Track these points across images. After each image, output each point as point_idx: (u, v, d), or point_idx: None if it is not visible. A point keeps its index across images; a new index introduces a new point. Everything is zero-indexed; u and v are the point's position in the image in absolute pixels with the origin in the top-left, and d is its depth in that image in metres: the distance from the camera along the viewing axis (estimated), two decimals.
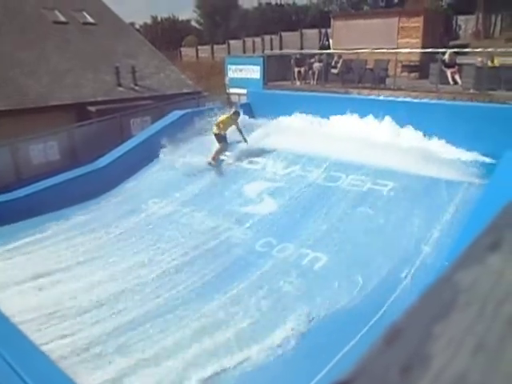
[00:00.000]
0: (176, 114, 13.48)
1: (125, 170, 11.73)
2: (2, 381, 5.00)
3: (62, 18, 19.04)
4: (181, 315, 6.64)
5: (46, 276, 7.83)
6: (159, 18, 53.05)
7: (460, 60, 12.87)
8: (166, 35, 43.90)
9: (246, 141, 11.62)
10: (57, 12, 19.13)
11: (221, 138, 11.32)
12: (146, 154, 12.15)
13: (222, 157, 11.44)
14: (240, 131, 11.63)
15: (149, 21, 53.50)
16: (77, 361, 5.84)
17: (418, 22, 15.92)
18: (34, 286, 7.53)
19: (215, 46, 36.82)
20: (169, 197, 10.61)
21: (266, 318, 6.39)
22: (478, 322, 0.40)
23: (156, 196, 10.77)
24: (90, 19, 19.91)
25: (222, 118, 11.55)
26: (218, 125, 11.36)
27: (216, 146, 11.35)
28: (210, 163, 11.16)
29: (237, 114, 11.78)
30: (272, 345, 5.83)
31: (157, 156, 12.30)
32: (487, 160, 9.33)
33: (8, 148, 11.84)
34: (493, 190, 6.88)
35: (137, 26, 43.89)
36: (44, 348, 5.76)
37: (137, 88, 17.19)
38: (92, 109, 15.07)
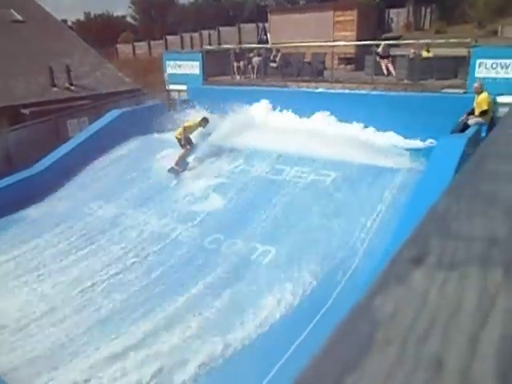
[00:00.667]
0: (114, 112, 13.10)
1: (64, 174, 11.28)
2: None
3: None
4: (134, 317, 6.52)
5: None
6: (92, 15, 51.35)
7: (393, 52, 13.37)
8: (101, 32, 42.50)
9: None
10: None
11: (184, 141, 10.90)
12: (86, 156, 11.74)
13: (188, 159, 10.94)
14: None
15: (82, 17, 51.66)
16: None
17: (352, 16, 16.38)
18: None
19: (152, 42, 36.09)
20: (112, 199, 10.32)
21: (221, 317, 6.38)
22: (399, 368, 0.34)
23: (99, 198, 10.44)
24: (18, 17, 18.91)
25: (189, 123, 11.10)
26: (183, 128, 10.92)
27: (180, 150, 10.91)
28: (172, 168, 10.60)
29: (205, 120, 11.25)
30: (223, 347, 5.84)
31: (97, 157, 11.93)
32: (423, 147, 9.80)
33: None
34: (429, 176, 7.21)
35: (69, 23, 42.18)
36: None
37: (72, 88, 16.56)
38: (25, 111, 14.37)
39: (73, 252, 8.59)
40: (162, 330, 6.23)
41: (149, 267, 7.81)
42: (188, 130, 10.95)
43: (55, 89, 16.14)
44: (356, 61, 15.11)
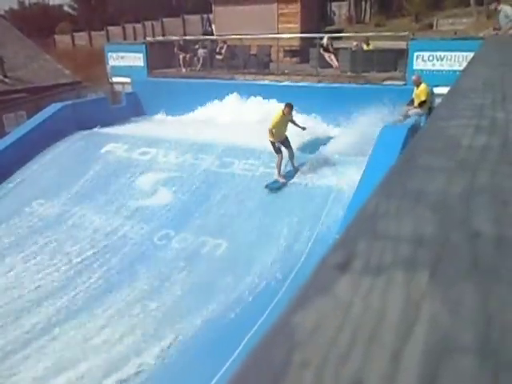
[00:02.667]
0: (55, 106, 12.53)
1: (1, 172, 10.70)
2: None
3: None
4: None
5: None
6: (27, 3, 48.79)
7: (336, 44, 13.61)
8: (37, 22, 40.50)
9: (304, 129, 9.24)
10: None
11: (279, 145, 8.78)
12: (25, 152, 11.18)
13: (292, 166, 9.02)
14: (294, 123, 9.10)
15: (15, 6, 48.98)
16: None
17: (295, 9, 16.48)
18: None
19: (93, 33, 34.79)
20: (54, 197, 9.91)
21: (174, 309, 6.32)
22: None
23: (40, 197, 10.00)
24: None
25: (273, 119, 8.77)
26: (269, 131, 8.67)
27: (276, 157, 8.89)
28: (275, 182, 8.78)
29: (289, 106, 8.82)
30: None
31: (36, 154, 11.39)
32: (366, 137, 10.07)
33: None
34: (373, 165, 7.41)
35: (1, 12, 39.89)
36: None
37: (7, 80, 15.70)
38: None
39: (12, 254, 8.20)
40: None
41: (95, 265, 7.59)
42: (275, 129, 8.66)
43: None
44: (301, 53, 15.25)
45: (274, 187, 8.60)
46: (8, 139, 11.64)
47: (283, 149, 8.76)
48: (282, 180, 8.68)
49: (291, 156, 8.94)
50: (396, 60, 11.74)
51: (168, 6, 41.10)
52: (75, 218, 9.16)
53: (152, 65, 14.30)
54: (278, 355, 0.34)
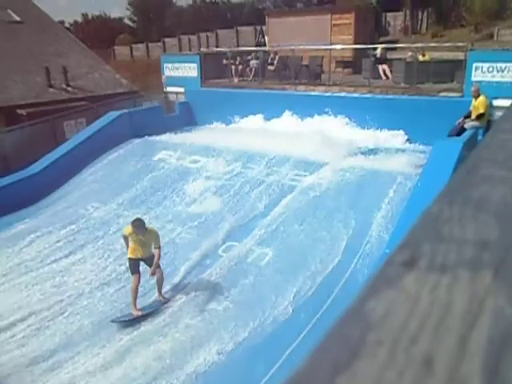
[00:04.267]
0: (112, 114, 13.10)
1: (61, 175, 11.25)
2: None
3: None
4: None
5: None
6: (90, 16, 51.30)
7: (390, 55, 13.44)
8: (98, 34, 42.47)
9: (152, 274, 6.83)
10: None
11: (138, 263, 6.82)
12: (83, 157, 11.73)
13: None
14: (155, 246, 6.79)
15: (79, 19, 51.61)
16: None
17: (349, 19, 16.43)
18: None
19: (150, 44, 36.09)
20: (109, 200, 10.30)
21: (221, 319, 6.39)
22: (389, 368, 0.35)
23: (96, 200, 10.42)
24: (15, 17, 18.88)
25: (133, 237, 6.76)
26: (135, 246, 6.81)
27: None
28: (159, 301, 6.94)
29: (135, 224, 6.65)
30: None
31: (94, 159, 11.91)
32: (421, 150, 9.86)
33: None
34: (425, 180, 7.24)
35: (67, 25, 42.18)
36: None
37: (69, 89, 16.53)
38: (22, 112, 14.33)
39: (66, 253, 8.56)
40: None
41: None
42: (131, 243, 6.82)
43: (52, 90, 16.11)
44: (353, 64, 15.16)
45: (121, 321, 6.60)
46: (68, 144, 12.25)
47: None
48: (135, 313, 6.62)
49: (159, 279, 6.85)
50: (453, 71, 11.43)
51: (223, 19, 42.01)
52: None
53: (205, 75, 14.65)
54: (354, 333, 0.38)
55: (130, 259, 6.78)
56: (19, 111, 14.34)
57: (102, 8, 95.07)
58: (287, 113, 12.39)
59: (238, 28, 32.03)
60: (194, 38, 33.82)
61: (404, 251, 0.47)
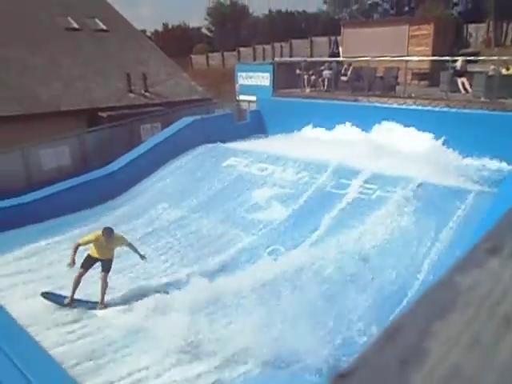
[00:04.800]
0: (186, 120, 13.58)
1: (135, 175, 11.82)
2: (7, 380, 5.04)
3: (75, 25, 19.27)
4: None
5: (53, 281, 7.87)
6: (170, 26, 53.49)
7: (471, 68, 12.84)
8: (177, 42, 44.19)
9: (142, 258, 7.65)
10: (70, 19, 19.38)
11: (92, 262, 7.35)
12: (156, 160, 12.24)
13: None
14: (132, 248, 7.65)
15: (160, 28, 53.97)
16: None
17: (428, 30, 15.92)
18: (41, 289, 7.55)
19: (226, 53, 37.01)
20: (178, 202, 10.66)
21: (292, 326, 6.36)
22: (475, 321, 0.43)
23: (165, 201, 10.82)
24: (102, 26, 20.13)
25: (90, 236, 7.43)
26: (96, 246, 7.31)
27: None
28: (64, 299, 7.23)
29: (106, 232, 7.26)
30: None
31: (166, 162, 12.38)
32: (498, 168, 9.32)
33: (19, 153, 11.96)
34: (502, 199, 6.84)
35: (148, 34, 44.26)
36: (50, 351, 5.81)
37: (147, 94, 17.32)
38: (103, 114, 15.20)
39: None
40: None
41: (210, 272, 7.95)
42: (94, 245, 7.31)
43: (132, 94, 16.96)
44: (431, 76, 14.65)
45: (52, 299, 7.17)
46: (143, 147, 12.84)
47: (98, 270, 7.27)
48: (68, 300, 7.13)
49: (103, 285, 7.16)
50: None
51: (298, 29, 42.25)
52: (194, 224, 9.74)
53: (278, 84, 14.79)
54: (445, 296, 0.47)
55: (88, 255, 7.29)
56: (101, 113, 15.22)
57: (182, 18, 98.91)
58: (359, 124, 12.19)
59: (313, 38, 32.03)
60: (268, 47, 34.26)
61: (489, 240, 0.54)
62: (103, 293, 7.17)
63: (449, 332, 0.42)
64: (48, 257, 8.78)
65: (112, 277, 7.43)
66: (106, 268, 7.24)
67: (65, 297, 7.21)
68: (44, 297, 7.17)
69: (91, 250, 7.31)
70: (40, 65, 16.10)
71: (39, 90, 15.12)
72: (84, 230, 9.48)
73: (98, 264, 7.30)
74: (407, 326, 0.43)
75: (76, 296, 7.20)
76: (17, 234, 9.51)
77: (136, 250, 7.59)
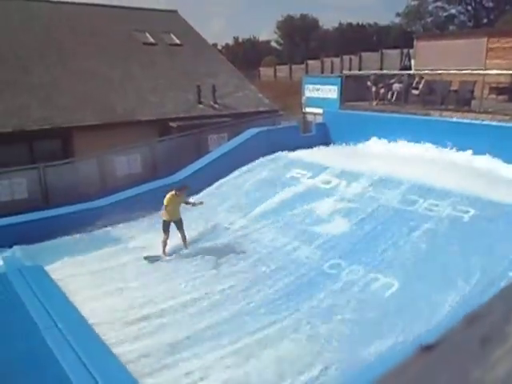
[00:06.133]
0: (252, 131, 13.75)
1: (201, 184, 12.08)
2: (76, 379, 5.29)
3: (151, 40, 20.25)
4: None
5: (124, 283, 8.19)
6: (240, 39, 54.75)
7: None
8: (247, 55, 45.16)
9: (195, 204, 9.97)
10: (147, 34, 20.39)
11: (169, 224, 9.26)
12: (222, 169, 12.46)
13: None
14: (188, 203, 9.82)
15: (231, 42, 55.40)
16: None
17: (509, 43, 15.12)
18: (111, 291, 7.89)
19: (293, 66, 37.22)
20: (241, 211, 10.77)
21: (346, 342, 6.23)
22: None
23: (229, 210, 10.97)
24: (176, 40, 20.98)
25: (167, 198, 9.25)
26: (165, 208, 9.25)
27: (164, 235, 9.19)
28: (160, 257, 9.18)
29: (183, 189, 9.56)
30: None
31: (232, 171, 12.57)
32: None
33: (96, 159, 12.70)
34: None
35: (219, 47, 45.55)
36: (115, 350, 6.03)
37: (216, 106, 17.76)
38: (173, 124, 15.77)
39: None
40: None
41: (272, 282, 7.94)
42: (170, 206, 9.19)
43: (201, 106, 17.47)
44: (510, 91, 13.87)
45: (153, 259, 9.04)
46: (210, 156, 13.15)
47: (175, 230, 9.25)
48: (165, 257, 9.10)
49: (183, 238, 9.33)
50: None
51: (368, 41, 41.73)
52: (256, 234, 9.78)
53: (345, 97, 14.61)
54: None
55: (163, 221, 9.20)
56: (171, 124, 15.80)
57: (252, 32, 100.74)
58: (429, 139, 11.72)
59: (384, 51, 31.44)
60: (336, 60, 34.04)
61: None
62: (185, 241, 9.30)
63: None
64: (116, 260, 9.16)
65: None
66: (180, 226, 9.23)
67: (158, 256, 9.04)
68: (146, 259, 8.95)
69: (164, 215, 9.20)
70: (116, 77, 17.03)
71: (115, 101, 15.98)
72: (148, 238, 9.83)
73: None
74: (487, 314, 0.47)
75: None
76: (87, 236, 10.07)
77: (191, 202, 9.87)
